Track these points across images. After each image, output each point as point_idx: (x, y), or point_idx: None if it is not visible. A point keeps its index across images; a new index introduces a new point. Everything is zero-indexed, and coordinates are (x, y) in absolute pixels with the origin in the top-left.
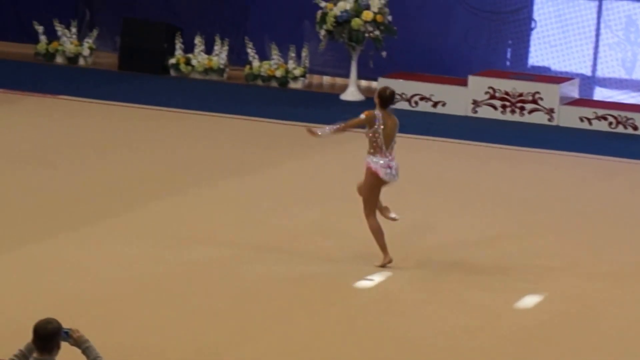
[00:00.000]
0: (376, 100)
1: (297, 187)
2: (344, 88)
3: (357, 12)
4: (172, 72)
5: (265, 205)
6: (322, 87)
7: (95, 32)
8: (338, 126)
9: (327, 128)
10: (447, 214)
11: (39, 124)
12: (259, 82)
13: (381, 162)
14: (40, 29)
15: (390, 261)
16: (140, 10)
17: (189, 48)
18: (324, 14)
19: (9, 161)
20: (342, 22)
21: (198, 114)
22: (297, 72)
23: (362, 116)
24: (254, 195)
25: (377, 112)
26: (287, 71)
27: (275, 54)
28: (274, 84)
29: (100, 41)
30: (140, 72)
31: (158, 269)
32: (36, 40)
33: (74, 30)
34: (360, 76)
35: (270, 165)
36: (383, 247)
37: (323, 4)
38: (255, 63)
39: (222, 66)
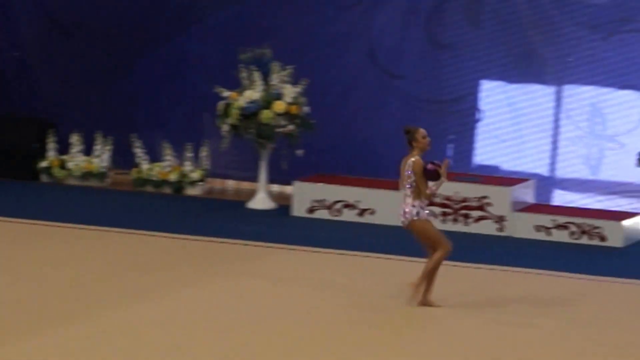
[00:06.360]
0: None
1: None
2: (251, 194)
3: (267, 103)
4: (44, 178)
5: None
6: (225, 193)
7: None
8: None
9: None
10: None
11: None
12: (149, 188)
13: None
14: None
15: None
16: (2, 103)
17: (64, 148)
18: (227, 105)
19: None
20: (250, 114)
21: (75, 228)
22: (195, 175)
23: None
24: (153, 323)
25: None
26: (182, 174)
27: (168, 153)
28: (167, 189)
29: None
30: (4, 177)
31: None
32: None
33: None
34: (272, 180)
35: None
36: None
37: (226, 94)
38: (145, 165)
39: (103, 169)
